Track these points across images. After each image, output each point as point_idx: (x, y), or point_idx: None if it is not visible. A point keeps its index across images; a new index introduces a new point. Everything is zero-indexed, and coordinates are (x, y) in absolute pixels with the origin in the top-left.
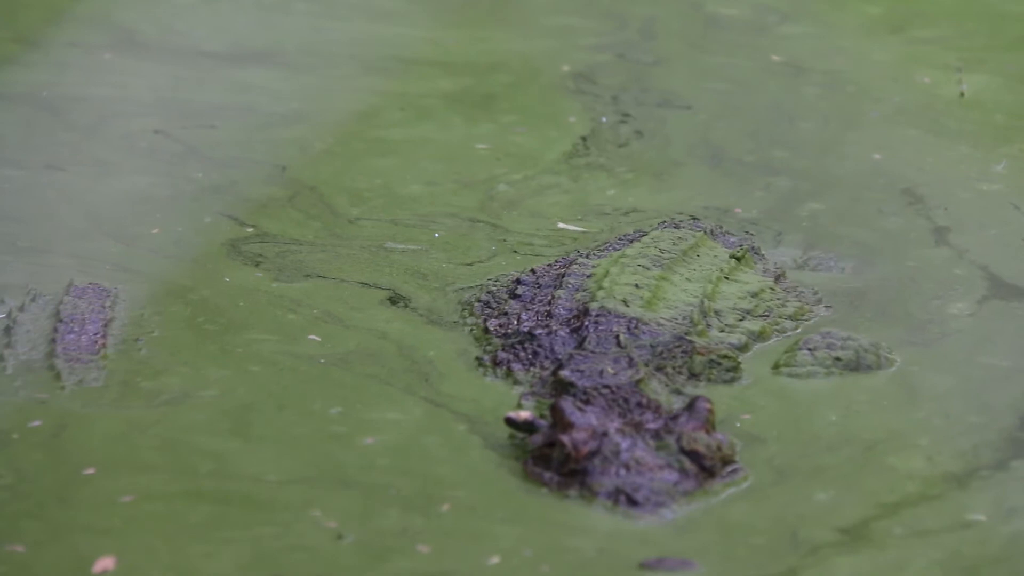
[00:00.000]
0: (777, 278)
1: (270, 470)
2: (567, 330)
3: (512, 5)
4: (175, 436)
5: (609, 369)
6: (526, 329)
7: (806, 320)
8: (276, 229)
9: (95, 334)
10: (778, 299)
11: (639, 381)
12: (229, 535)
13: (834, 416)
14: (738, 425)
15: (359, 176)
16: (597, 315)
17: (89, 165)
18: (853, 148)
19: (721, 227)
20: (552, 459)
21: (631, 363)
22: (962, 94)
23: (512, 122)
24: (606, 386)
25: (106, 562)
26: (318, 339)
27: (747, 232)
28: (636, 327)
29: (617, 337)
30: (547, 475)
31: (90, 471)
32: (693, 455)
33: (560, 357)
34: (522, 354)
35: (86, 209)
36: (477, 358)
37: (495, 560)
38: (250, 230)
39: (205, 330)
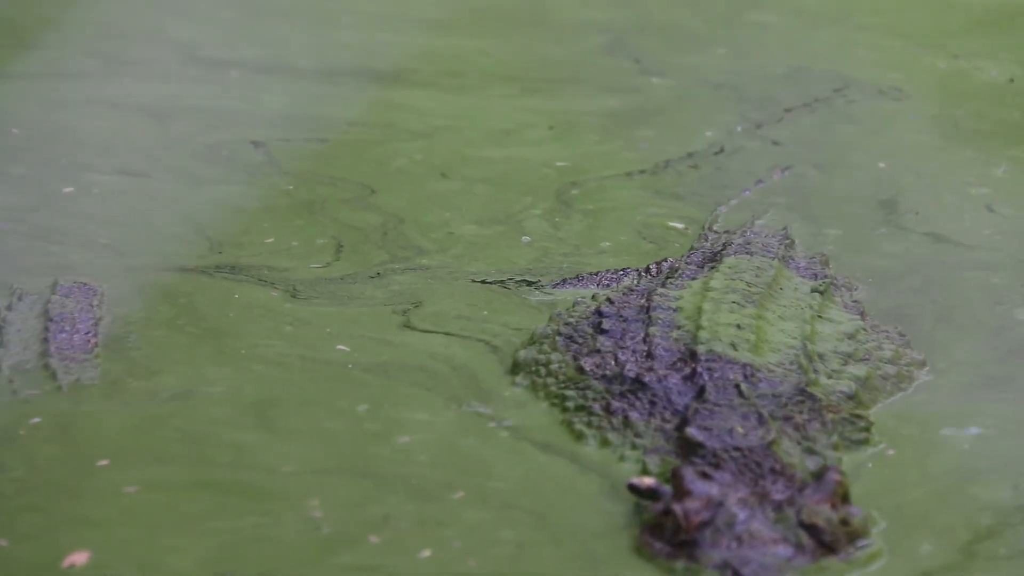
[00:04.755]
0: (861, 314)
1: (287, 461)
2: (677, 376)
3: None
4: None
5: (739, 428)
6: (632, 375)
7: (904, 364)
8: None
9: (87, 333)
10: (873, 341)
11: (772, 443)
12: (212, 526)
13: (967, 445)
14: (869, 466)
15: (427, 206)
16: (708, 360)
17: (175, 172)
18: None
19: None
20: (666, 528)
21: (761, 420)
22: (1011, 80)
23: (639, 137)
24: (737, 448)
25: (76, 557)
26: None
27: (821, 254)
28: (752, 375)
29: (737, 386)
30: (658, 545)
31: (103, 463)
32: (812, 529)
33: (682, 410)
34: (638, 403)
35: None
36: (582, 406)
37: (425, 553)
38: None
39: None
